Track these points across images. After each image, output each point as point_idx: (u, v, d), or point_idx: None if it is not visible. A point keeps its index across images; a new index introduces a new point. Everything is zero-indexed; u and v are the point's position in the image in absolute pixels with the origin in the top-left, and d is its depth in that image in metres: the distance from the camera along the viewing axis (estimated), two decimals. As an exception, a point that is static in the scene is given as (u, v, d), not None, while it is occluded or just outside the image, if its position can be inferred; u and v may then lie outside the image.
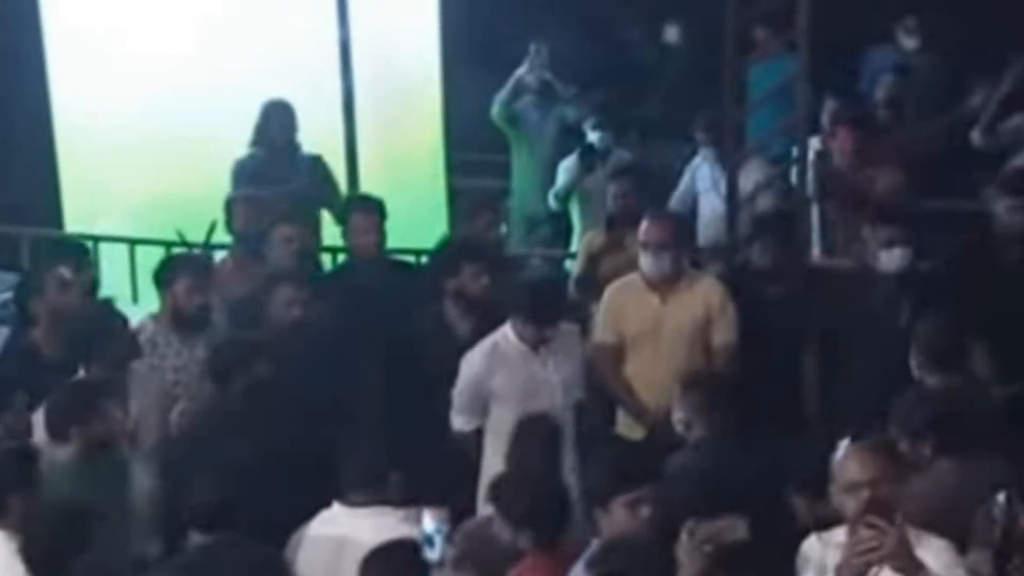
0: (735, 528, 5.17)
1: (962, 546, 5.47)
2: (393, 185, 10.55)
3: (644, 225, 7.80)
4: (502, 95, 11.33)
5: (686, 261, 7.96)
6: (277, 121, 9.82)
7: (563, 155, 11.15)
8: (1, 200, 11.01)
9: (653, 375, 7.72)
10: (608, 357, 7.82)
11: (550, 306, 7.33)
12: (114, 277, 9.92)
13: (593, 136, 10.80)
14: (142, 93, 10.21)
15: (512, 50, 11.69)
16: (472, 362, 7.33)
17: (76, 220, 10.70)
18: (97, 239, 10.16)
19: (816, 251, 10.05)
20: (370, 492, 5.84)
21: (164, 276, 7.70)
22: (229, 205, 8.80)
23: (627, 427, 7.87)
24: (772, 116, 10.77)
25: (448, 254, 8.04)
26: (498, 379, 7.29)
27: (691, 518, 5.16)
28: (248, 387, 6.97)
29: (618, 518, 5.37)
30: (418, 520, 5.64)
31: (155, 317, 7.66)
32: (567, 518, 5.67)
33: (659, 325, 7.77)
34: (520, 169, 11.49)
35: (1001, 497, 5.51)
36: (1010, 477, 5.96)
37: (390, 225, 8.78)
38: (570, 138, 11.28)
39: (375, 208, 8.47)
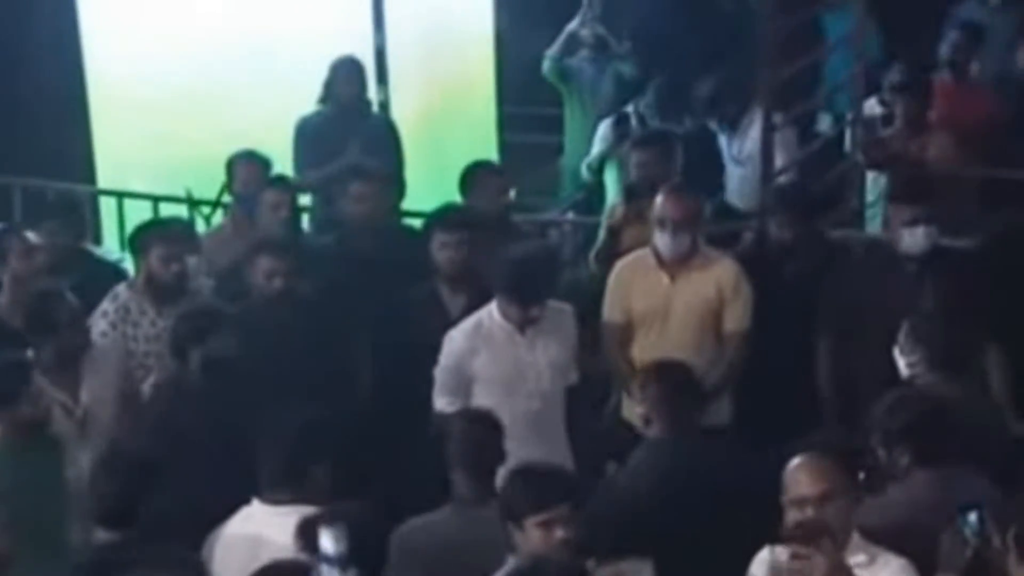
0: (639, 573, 4.75)
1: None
2: (442, 141, 10.20)
3: (660, 200, 7.27)
4: (553, 50, 10.89)
5: (701, 239, 7.41)
6: (343, 77, 9.36)
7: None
8: (35, 154, 10.62)
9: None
10: (614, 337, 7.37)
11: (534, 284, 6.83)
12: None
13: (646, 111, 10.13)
14: (174, 50, 9.99)
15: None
16: (454, 341, 6.89)
17: (108, 177, 10.46)
18: (121, 195, 9.90)
19: (876, 224, 9.52)
20: (289, 490, 5.38)
21: (138, 243, 7.35)
22: (230, 165, 8.39)
23: (631, 411, 7.39)
24: (843, 66, 10.25)
25: (426, 223, 7.59)
26: (480, 360, 6.86)
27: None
28: (204, 363, 6.60)
29: (532, 537, 4.96)
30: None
31: (130, 284, 7.31)
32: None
33: (668, 306, 7.29)
34: (573, 127, 11.00)
35: (973, 516, 4.98)
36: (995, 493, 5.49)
37: (440, 186, 8.36)
38: (626, 95, 10.72)
39: (371, 175, 8.03)
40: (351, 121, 9.30)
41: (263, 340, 6.98)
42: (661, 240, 7.21)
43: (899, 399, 5.61)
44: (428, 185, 9.57)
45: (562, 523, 4.94)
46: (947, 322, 6.31)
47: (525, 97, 11.50)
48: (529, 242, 7.43)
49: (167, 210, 9.50)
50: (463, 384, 6.89)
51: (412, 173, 9.47)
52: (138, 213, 9.72)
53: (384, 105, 9.77)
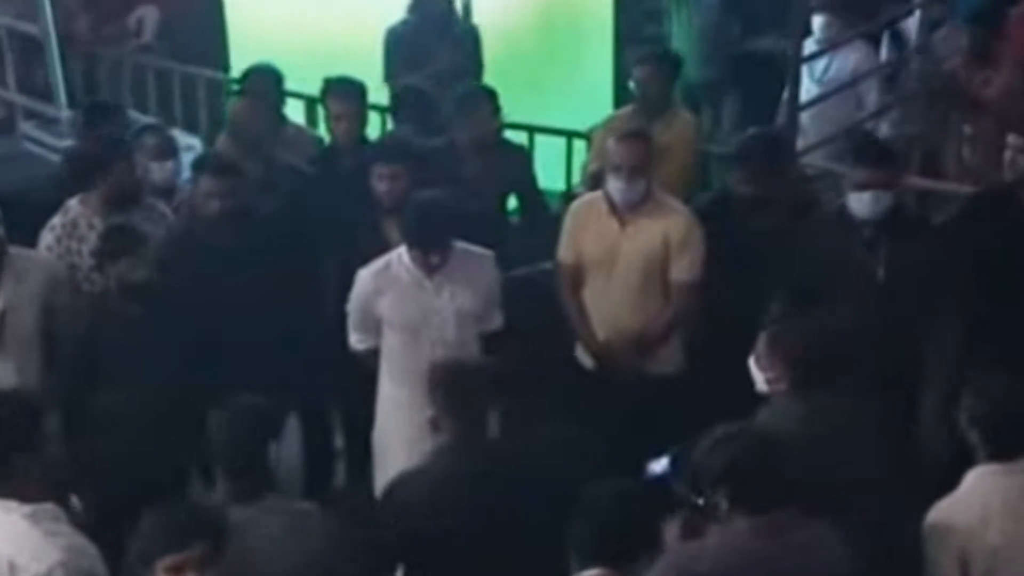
0: None
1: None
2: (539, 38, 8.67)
3: (612, 145, 5.89)
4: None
5: (655, 185, 5.94)
6: None
7: (725, 23, 8.94)
8: (175, 40, 9.50)
9: (604, 305, 5.97)
10: (565, 276, 6.04)
11: (436, 230, 5.50)
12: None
13: None
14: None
15: None
16: (361, 280, 5.67)
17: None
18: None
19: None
20: None
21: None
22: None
23: (583, 354, 6.11)
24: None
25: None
26: (386, 302, 5.61)
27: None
28: (118, 283, 5.54)
29: None
30: (54, 518, 3.98)
31: (82, 198, 6.14)
32: None
33: (615, 252, 5.90)
34: (679, 31, 9.22)
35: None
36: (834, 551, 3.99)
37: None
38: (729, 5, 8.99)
39: (349, 91, 6.73)
40: (436, 29, 7.97)
41: (197, 262, 5.83)
42: (614, 186, 5.84)
43: (719, 438, 4.04)
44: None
45: (195, 566, 3.65)
46: (817, 333, 4.64)
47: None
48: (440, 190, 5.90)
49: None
50: (371, 324, 5.69)
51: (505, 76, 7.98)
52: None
53: (467, 6, 8.31)
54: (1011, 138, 5.49)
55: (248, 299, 5.80)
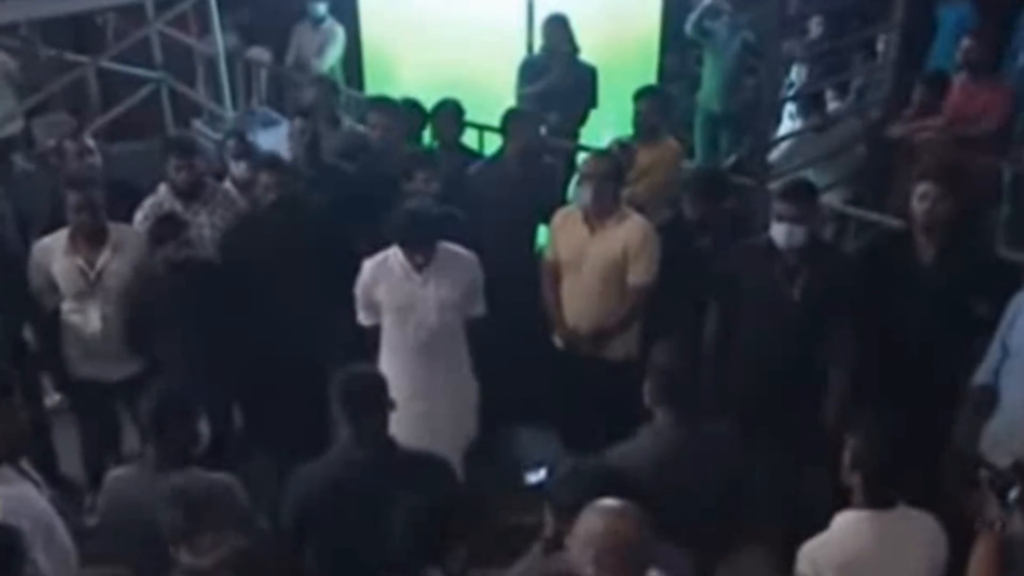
0: None
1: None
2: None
3: (585, 159, 4.89)
4: (693, 17, 7.87)
5: (621, 199, 4.86)
6: (550, 30, 6.83)
7: (742, 68, 7.72)
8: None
9: (574, 300, 4.95)
10: (546, 272, 5.02)
11: (419, 234, 4.49)
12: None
13: None
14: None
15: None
16: (365, 270, 4.69)
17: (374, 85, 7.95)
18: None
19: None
20: None
21: (162, 151, 5.32)
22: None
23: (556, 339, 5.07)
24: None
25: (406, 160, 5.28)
26: (381, 290, 4.64)
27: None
28: (164, 261, 4.76)
29: None
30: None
31: (168, 185, 5.29)
32: None
33: (583, 255, 4.86)
34: (708, 73, 8.12)
35: None
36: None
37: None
38: (749, 55, 7.73)
39: (385, 107, 5.78)
40: (558, 62, 6.79)
41: (256, 244, 4.92)
42: (580, 192, 4.84)
43: (571, 471, 3.03)
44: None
45: None
46: (682, 357, 3.52)
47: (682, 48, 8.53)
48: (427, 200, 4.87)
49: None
50: (372, 305, 4.71)
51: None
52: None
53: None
54: (927, 186, 4.17)
55: (297, 273, 4.88)
